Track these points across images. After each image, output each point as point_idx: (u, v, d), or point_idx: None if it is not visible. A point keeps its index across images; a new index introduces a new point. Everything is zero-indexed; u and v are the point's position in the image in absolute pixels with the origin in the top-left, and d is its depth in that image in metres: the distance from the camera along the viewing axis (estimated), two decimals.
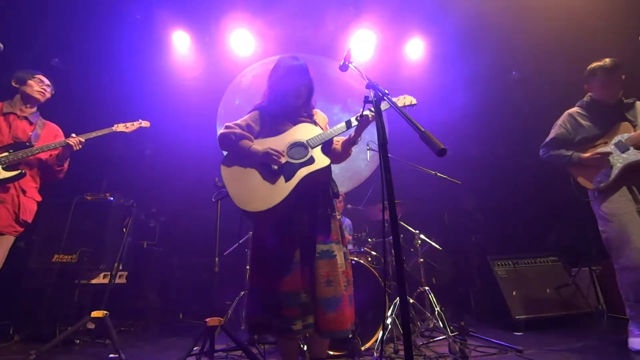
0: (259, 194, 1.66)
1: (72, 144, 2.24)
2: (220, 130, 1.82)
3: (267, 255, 1.70)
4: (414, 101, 1.96)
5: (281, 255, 1.66)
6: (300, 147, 1.78)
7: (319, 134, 1.80)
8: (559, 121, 2.68)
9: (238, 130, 1.80)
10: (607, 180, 2.36)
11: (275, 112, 1.90)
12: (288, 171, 1.69)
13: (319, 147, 1.78)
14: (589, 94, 2.60)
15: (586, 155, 2.46)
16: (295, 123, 1.88)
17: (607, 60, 2.45)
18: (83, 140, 2.29)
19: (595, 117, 2.52)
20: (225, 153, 1.83)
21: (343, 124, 1.83)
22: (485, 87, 4.79)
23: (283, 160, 1.72)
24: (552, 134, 2.67)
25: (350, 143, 1.89)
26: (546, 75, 4.41)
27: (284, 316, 1.58)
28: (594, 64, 2.50)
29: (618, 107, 2.47)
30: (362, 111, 1.74)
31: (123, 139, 2.53)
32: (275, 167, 1.70)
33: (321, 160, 1.74)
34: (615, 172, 2.33)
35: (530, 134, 4.53)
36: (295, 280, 1.62)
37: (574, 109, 2.64)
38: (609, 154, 2.38)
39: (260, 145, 1.77)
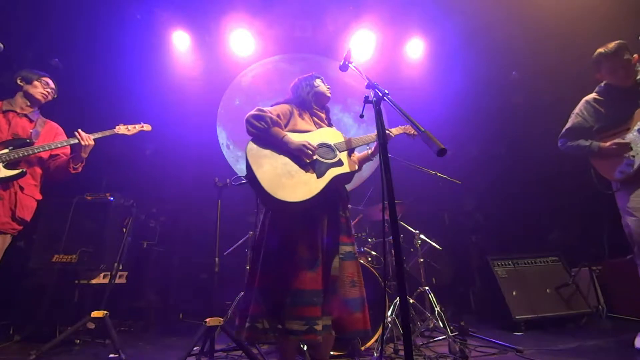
0: (290, 183, 1.63)
1: (79, 138, 2.21)
2: (253, 112, 1.79)
3: (287, 253, 1.64)
4: (415, 132, 2.08)
5: (305, 254, 1.63)
6: (328, 148, 1.82)
7: (346, 140, 1.88)
8: (576, 109, 2.50)
9: (273, 116, 1.79)
10: (629, 170, 2.17)
11: (303, 108, 1.97)
12: (319, 169, 1.72)
13: (346, 152, 1.85)
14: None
15: (605, 144, 2.27)
16: (317, 125, 1.95)
17: (610, 45, 2.31)
18: (97, 136, 2.29)
19: (613, 103, 2.34)
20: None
21: (372, 135, 1.92)
22: (485, 87, 4.79)
23: (314, 157, 1.74)
24: (568, 124, 2.50)
25: (366, 160, 2.00)
26: (546, 75, 4.41)
27: (305, 316, 1.53)
28: (598, 51, 2.36)
29: (637, 89, 2.28)
30: (364, 111, 1.76)
31: (123, 139, 2.53)
32: (308, 161, 1.72)
33: (350, 165, 1.80)
34: (638, 161, 2.14)
35: (530, 134, 4.55)
36: (318, 279, 1.61)
37: (591, 96, 2.45)
38: (628, 144, 2.18)
39: (295, 138, 1.76)
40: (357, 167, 1.88)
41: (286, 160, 1.71)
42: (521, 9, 4.10)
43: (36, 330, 2.86)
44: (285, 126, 1.87)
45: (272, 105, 1.95)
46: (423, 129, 1.17)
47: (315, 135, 1.84)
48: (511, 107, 4.76)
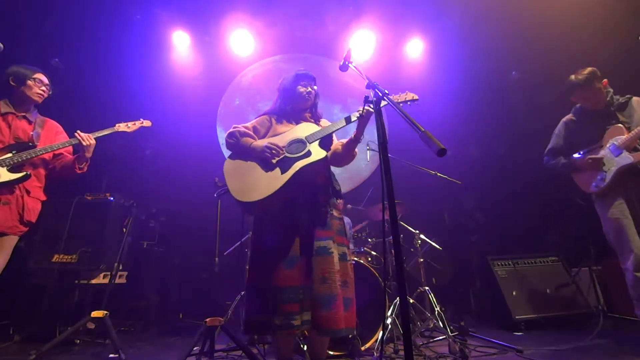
0: (255, 185, 1.71)
1: (80, 138, 2.21)
2: (228, 130, 1.90)
3: (268, 251, 1.71)
4: (415, 97, 1.92)
5: (283, 251, 1.68)
6: (299, 143, 1.82)
7: (317, 130, 1.84)
8: (556, 130, 2.74)
9: (242, 129, 1.89)
10: (603, 184, 2.40)
11: (283, 116, 1.99)
12: (285, 165, 1.74)
13: (317, 141, 1.81)
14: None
15: (580, 160, 2.51)
16: (297, 124, 1.94)
17: (580, 75, 2.48)
18: (95, 135, 2.28)
19: (587, 124, 2.56)
20: (228, 153, 1.89)
21: (342, 120, 1.84)
22: (485, 87, 4.79)
23: (282, 155, 1.77)
24: (550, 144, 2.75)
25: (353, 142, 1.85)
26: (546, 74, 4.41)
27: (285, 312, 1.58)
28: (568, 80, 2.54)
29: (608, 110, 2.49)
30: (363, 108, 1.73)
31: (123, 139, 2.53)
32: (274, 161, 1.75)
33: (317, 153, 1.76)
34: (609, 176, 2.37)
35: (530, 134, 4.55)
36: (295, 276, 1.64)
37: (568, 117, 2.69)
38: (601, 159, 2.41)
39: (261, 142, 1.83)
40: (345, 156, 1.87)
41: (254, 165, 1.78)
42: (521, 9, 4.10)
43: (36, 330, 2.86)
44: (265, 134, 1.93)
45: (256, 117, 2.03)
46: (423, 129, 1.16)
47: (289, 134, 1.87)
48: (511, 106, 4.76)
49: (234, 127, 1.90)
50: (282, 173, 1.71)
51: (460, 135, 4.64)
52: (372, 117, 1.79)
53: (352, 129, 1.85)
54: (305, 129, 1.87)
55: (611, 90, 2.50)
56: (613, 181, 2.35)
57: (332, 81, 5.08)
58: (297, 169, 1.71)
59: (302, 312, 1.61)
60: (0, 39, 1.89)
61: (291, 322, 1.56)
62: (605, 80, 2.47)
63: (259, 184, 1.71)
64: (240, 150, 1.85)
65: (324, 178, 1.86)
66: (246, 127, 1.92)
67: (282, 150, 1.78)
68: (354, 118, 1.80)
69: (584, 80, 2.45)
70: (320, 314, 1.60)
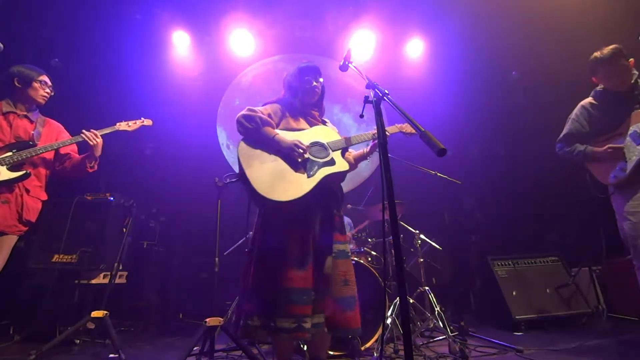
0: (281, 183, 1.65)
1: (86, 137, 2.21)
2: (243, 112, 1.78)
3: (279, 252, 1.66)
4: (414, 131, 2.00)
5: (295, 253, 1.65)
6: (321, 147, 1.82)
7: (340, 139, 1.87)
8: (572, 115, 2.47)
9: (263, 116, 1.79)
10: (623, 175, 2.16)
11: (293, 109, 1.94)
12: (310, 168, 1.72)
13: (339, 151, 1.84)
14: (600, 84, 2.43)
15: (600, 149, 2.27)
16: (310, 123, 1.93)
17: (605, 50, 2.30)
18: (98, 134, 2.28)
19: (608, 107, 2.32)
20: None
21: (363, 134, 1.91)
22: (485, 87, 4.79)
23: (306, 156, 1.74)
24: (565, 129, 2.48)
25: (363, 158, 1.97)
26: (546, 74, 4.41)
27: (296, 314, 1.55)
28: (593, 56, 2.35)
29: (632, 94, 2.26)
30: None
31: (123, 139, 2.53)
32: (300, 161, 1.72)
33: (342, 164, 1.79)
34: (630, 166, 2.12)
35: (530, 134, 4.55)
36: (308, 278, 1.62)
37: (587, 100, 2.43)
38: (622, 147, 2.17)
39: (286, 137, 1.76)
40: (349, 167, 1.86)
41: (277, 159, 1.71)
42: (521, 9, 4.10)
43: (36, 330, 2.86)
44: (277, 125, 1.86)
45: (264, 104, 1.93)
46: (423, 129, 1.16)
47: (309, 134, 1.84)
48: (511, 107, 4.77)
49: (251, 111, 1.78)
50: (308, 177, 1.69)
51: (460, 135, 4.64)
52: (372, 117, 1.81)
53: (351, 128, 1.86)
54: (323, 134, 1.87)
55: (636, 72, 2.27)
56: (634, 172, 2.11)
57: (332, 81, 5.07)
58: (324, 175, 1.71)
59: (313, 315, 1.59)
60: (1, 39, 1.89)
61: (302, 324, 1.54)
62: (632, 59, 2.27)
63: (286, 182, 1.65)
64: (260, 139, 1.75)
65: (338, 186, 1.92)
66: (263, 114, 1.81)
67: (307, 152, 1.75)
68: (365, 137, 1.92)
69: (609, 56, 2.26)
70: (344, 315, 1.64)
